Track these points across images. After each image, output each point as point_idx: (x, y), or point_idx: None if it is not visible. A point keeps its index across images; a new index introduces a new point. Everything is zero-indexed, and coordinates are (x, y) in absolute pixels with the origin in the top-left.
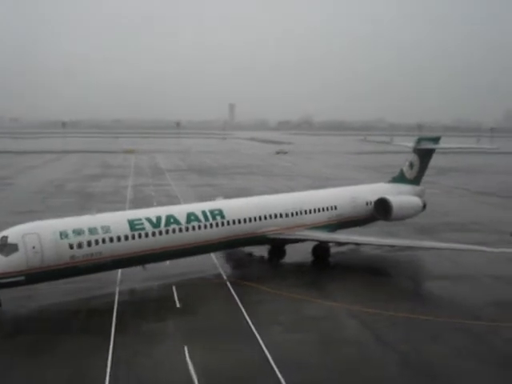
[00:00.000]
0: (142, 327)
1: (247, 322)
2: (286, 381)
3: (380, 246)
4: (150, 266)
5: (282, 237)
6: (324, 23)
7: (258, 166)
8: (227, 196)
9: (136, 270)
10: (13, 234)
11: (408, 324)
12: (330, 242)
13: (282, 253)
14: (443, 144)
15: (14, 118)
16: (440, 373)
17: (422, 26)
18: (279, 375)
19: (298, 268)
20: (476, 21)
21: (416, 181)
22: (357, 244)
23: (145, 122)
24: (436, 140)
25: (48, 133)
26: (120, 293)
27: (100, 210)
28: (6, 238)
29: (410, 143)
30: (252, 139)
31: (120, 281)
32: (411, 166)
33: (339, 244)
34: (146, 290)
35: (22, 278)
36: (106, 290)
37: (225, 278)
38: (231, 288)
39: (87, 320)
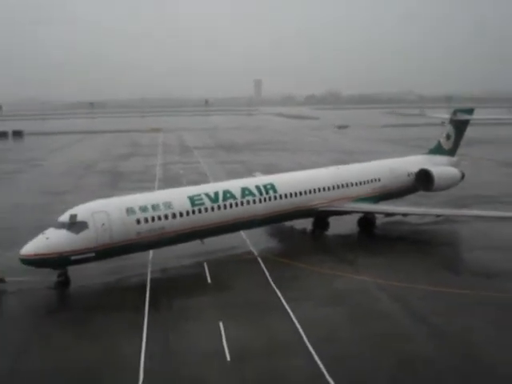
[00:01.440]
0: (175, 304)
1: (279, 297)
2: (318, 355)
3: (423, 217)
4: (181, 245)
5: (330, 209)
6: None
7: (285, 142)
8: (253, 172)
9: (166, 249)
10: (82, 212)
11: (442, 297)
12: (377, 213)
13: (326, 225)
14: (479, 115)
15: (44, 100)
16: (473, 346)
17: None
18: (311, 349)
19: (333, 241)
20: None
21: (452, 152)
22: (403, 215)
23: (171, 100)
24: (470, 111)
25: (76, 114)
26: (152, 271)
27: (131, 190)
28: (75, 216)
29: (444, 115)
30: (279, 115)
31: (152, 259)
32: (448, 137)
33: (387, 215)
34: (177, 267)
35: (92, 254)
36: (139, 268)
37: (256, 254)
38: (262, 264)
39: (121, 297)
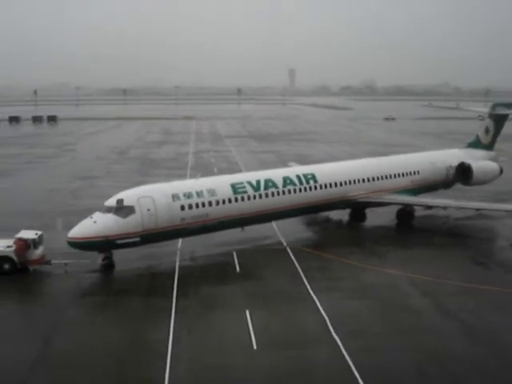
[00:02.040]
0: (203, 291)
1: (306, 288)
2: (344, 347)
3: (463, 212)
4: (210, 234)
5: (369, 200)
6: None
7: (318, 133)
8: (285, 163)
9: (196, 237)
10: (128, 197)
11: (473, 294)
12: (416, 205)
13: (363, 216)
14: None
15: (78, 85)
16: (502, 345)
17: None
18: (338, 341)
19: (368, 233)
20: None
21: (490, 146)
22: (443, 208)
23: (204, 88)
24: (510, 106)
25: (110, 100)
26: (181, 259)
27: (162, 177)
28: (121, 200)
29: (483, 108)
30: (313, 105)
31: (181, 247)
32: (487, 131)
33: (426, 207)
34: (206, 256)
35: (138, 239)
36: (168, 256)
37: (285, 244)
38: (291, 254)
39: (151, 284)
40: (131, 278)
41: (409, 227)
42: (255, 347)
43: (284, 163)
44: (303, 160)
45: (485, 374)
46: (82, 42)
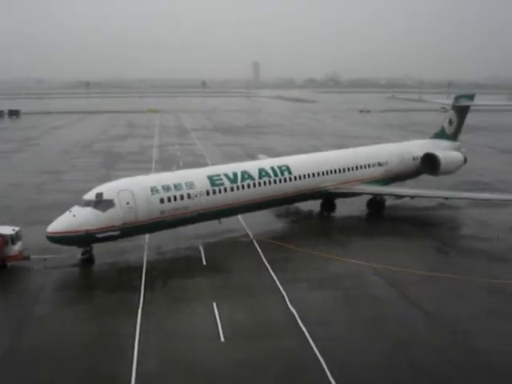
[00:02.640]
0: (170, 284)
1: (273, 279)
2: (311, 336)
3: (430, 201)
4: (177, 228)
5: (341, 191)
6: None
7: (283, 125)
8: (253, 156)
9: (163, 231)
10: (108, 190)
11: (436, 282)
12: (385, 195)
13: (333, 206)
14: (481, 101)
15: (40, 78)
16: (464, 330)
17: None
18: (305, 331)
19: (336, 224)
20: None
21: (454, 137)
22: (411, 197)
23: (169, 81)
24: (471, 97)
25: (73, 93)
26: (148, 253)
27: (127, 171)
28: (101, 194)
29: (446, 100)
30: (277, 98)
31: (148, 242)
32: (450, 122)
33: (398, 197)
34: (173, 249)
35: (118, 232)
36: (136, 250)
37: (251, 236)
38: (258, 246)
39: (119, 278)
40: (100, 273)
41: (379, 217)
42: (222, 339)
43: (249, 156)
44: (268, 152)
45: (448, 360)
46: (45, 35)
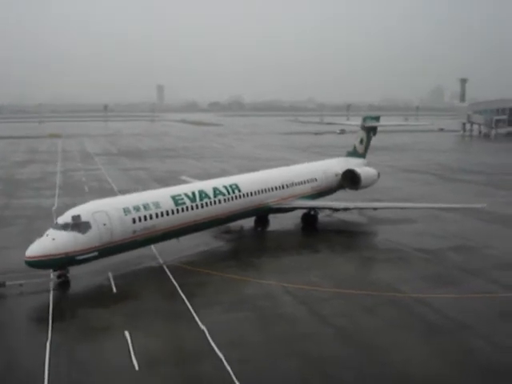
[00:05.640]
0: (79, 315)
1: (185, 304)
2: (226, 359)
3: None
4: None
5: (282, 206)
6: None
7: (189, 149)
8: (158, 180)
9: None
10: (84, 212)
11: (345, 299)
12: (321, 208)
13: (266, 222)
14: (386, 122)
15: None
16: (375, 345)
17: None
18: (219, 354)
19: (245, 245)
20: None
21: (364, 155)
22: (344, 209)
23: (70, 105)
24: (377, 118)
25: None
26: (54, 281)
27: (29, 198)
28: (78, 216)
29: (354, 122)
30: (182, 121)
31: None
32: (361, 141)
33: (333, 210)
34: (81, 277)
35: (96, 253)
36: (39, 278)
37: (161, 262)
38: (168, 272)
39: (23, 307)
40: (6, 304)
41: (314, 228)
42: (137, 368)
43: (157, 180)
44: (176, 176)
45: (360, 375)
46: None
